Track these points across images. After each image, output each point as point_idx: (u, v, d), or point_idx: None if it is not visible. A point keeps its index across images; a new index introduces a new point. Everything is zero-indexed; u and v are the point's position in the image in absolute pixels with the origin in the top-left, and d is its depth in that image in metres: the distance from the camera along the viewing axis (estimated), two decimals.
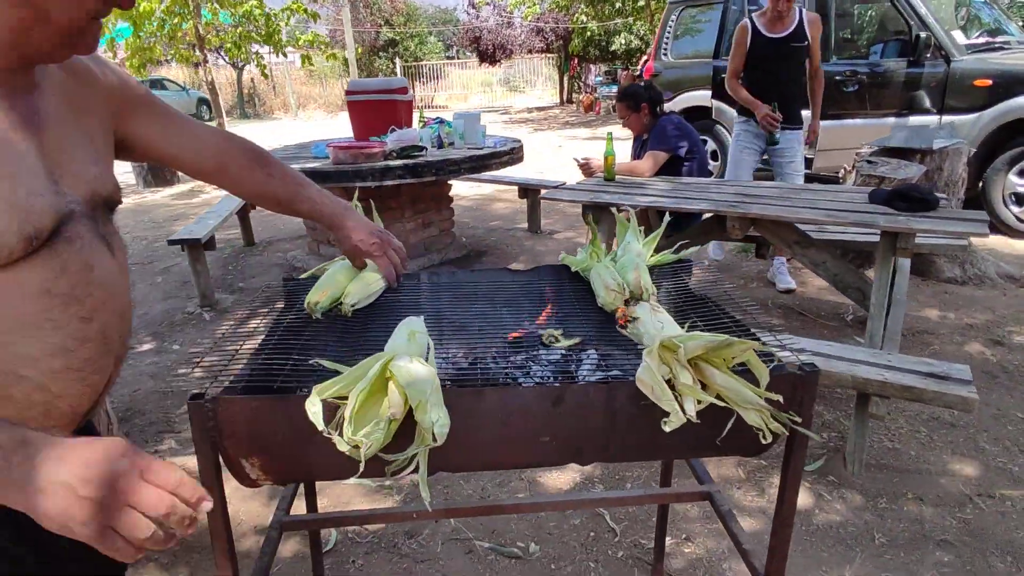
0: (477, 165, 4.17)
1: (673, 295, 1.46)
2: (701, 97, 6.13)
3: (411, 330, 1.09)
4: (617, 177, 3.36)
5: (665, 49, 6.65)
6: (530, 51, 19.91)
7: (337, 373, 0.99)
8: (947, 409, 2.42)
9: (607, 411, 1.08)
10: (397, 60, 21.78)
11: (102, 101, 0.95)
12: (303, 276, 1.60)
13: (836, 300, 3.74)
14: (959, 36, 4.93)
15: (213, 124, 7.97)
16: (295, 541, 2.14)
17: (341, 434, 0.91)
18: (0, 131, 0.74)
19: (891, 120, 5.00)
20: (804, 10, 3.70)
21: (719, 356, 0.99)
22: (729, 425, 1.00)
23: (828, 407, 2.73)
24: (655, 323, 1.18)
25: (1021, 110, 4.49)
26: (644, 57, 18.84)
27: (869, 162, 3.90)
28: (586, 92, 18.75)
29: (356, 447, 0.91)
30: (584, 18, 14.72)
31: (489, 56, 19.85)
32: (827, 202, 2.73)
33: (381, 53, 22.07)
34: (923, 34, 4.76)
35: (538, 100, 22.71)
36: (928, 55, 4.82)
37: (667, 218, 1.67)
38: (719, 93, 5.86)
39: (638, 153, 3.69)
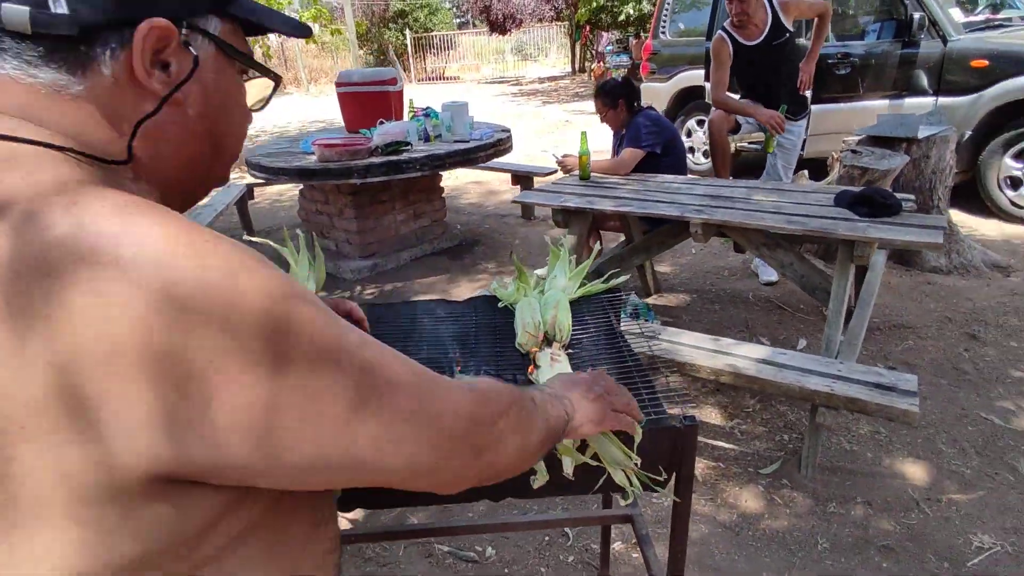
0: (462, 160, 4.21)
1: (592, 332, 1.52)
2: (697, 77, 6.06)
3: None
4: (593, 176, 3.39)
5: (663, 27, 6.56)
6: (540, 19, 19.59)
7: None
8: None
9: None
10: (407, 31, 21.56)
11: None
12: None
13: None
14: (956, 14, 4.80)
15: None
16: None
17: None
18: None
19: (884, 103, 4.92)
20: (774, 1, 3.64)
21: None
22: (600, 482, 1.08)
23: (791, 407, 2.78)
24: (550, 374, 1.25)
25: (1018, 91, 4.39)
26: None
27: (853, 151, 3.87)
28: (598, 61, 18.44)
29: None
30: None
31: (499, 25, 19.58)
32: (794, 205, 2.75)
33: (391, 24, 21.85)
34: (918, 13, 4.65)
35: (551, 69, 22.42)
36: (923, 35, 4.72)
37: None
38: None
39: (616, 150, 3.70)
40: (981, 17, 4.94)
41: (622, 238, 3.74)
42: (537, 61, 24.11)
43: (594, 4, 15.21)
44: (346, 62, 22.33)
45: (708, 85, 5.89)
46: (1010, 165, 4.53)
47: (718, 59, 3.61)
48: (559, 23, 21.10)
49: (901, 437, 2.59)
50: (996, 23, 4.92)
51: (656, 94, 6.63)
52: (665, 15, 6.48)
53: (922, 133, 3.80)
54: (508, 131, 4.76)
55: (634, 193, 3.02)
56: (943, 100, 4.72)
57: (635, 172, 3.43)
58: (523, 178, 5.45)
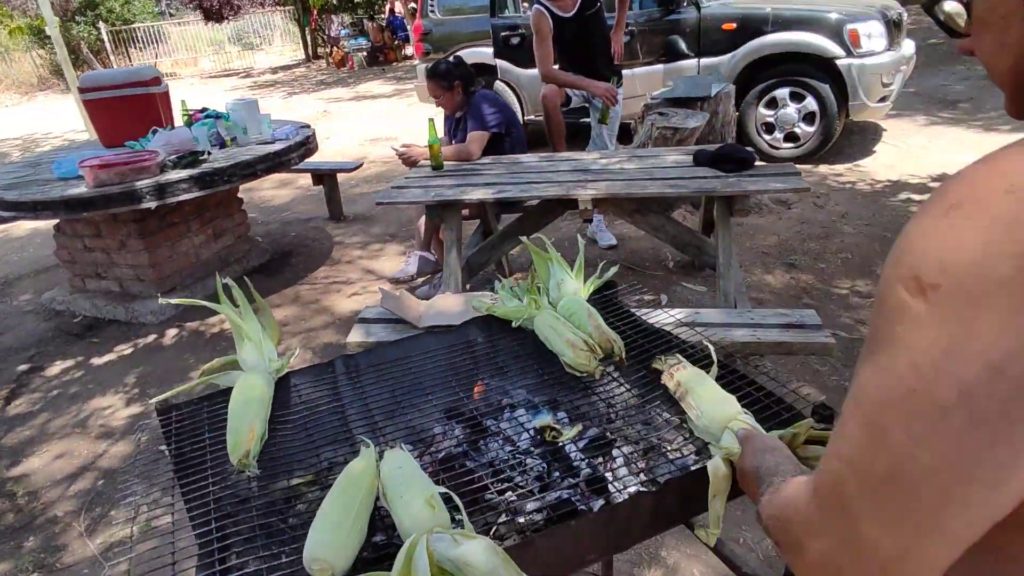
0: (274, 163, 3.69)
1: (619, 327, 1.37)
2: (480, 54, 6.03)
3: (425, 495, 0.87)
4: (445, 164, 3.17)
5: (431, 6, 6.41)
6: (262, 4, 18.14)
7: None
8: None
9: (660, 508, 0.98)
10: (102, 25, 18.54)
11: None
12: (171, 394, 1.23)
13: (654, 248, 3.99)
14: None
15: None
16: None
17: None
18: None
19: (660, 67, 5.36)
20: None
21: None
22: None
23: None
24: (704, 389, 1.08)
25: (762, 49, 5.06)
26: (387, 6, 18.23)
27: (661, 114, 4.15)
28: (333, 46, 17.66)
29: None
30: None
31: (215, 13, 17.72)
32: (661, 170, 2.84)
33: (78, 18, 18.60)
34: None
35: (280, 57, 20.97)
36: (683, 4, 5.21)
37: (582, 243, 1.56)
38: (502, 52, 5.81)
39: (453, 133, 3.52)
40: None
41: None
42: (262, 50, 22.41)
43: None
44: (25, 63, 18.58)
45: (499, 63, 5.97)
46: (764, 113, 5.23)
47: (540, 33, 3.59)
48: (284, 8, 19.76)
49: (781, 365, 2.85)
50: None
51: None
52: None
53: (713, 91, 4.19)
54: (309, 127, 4.29)
55: (502, 177, 2.89)
56: (705, 61, 5.27)
57: (483, 155, 3.30)
58: (326, 176, 4.99)
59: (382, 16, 17.51)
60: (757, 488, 0.75)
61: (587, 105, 3.97)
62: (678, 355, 1.19)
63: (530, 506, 0.95)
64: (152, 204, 3.27)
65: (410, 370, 1.30)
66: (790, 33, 4.96)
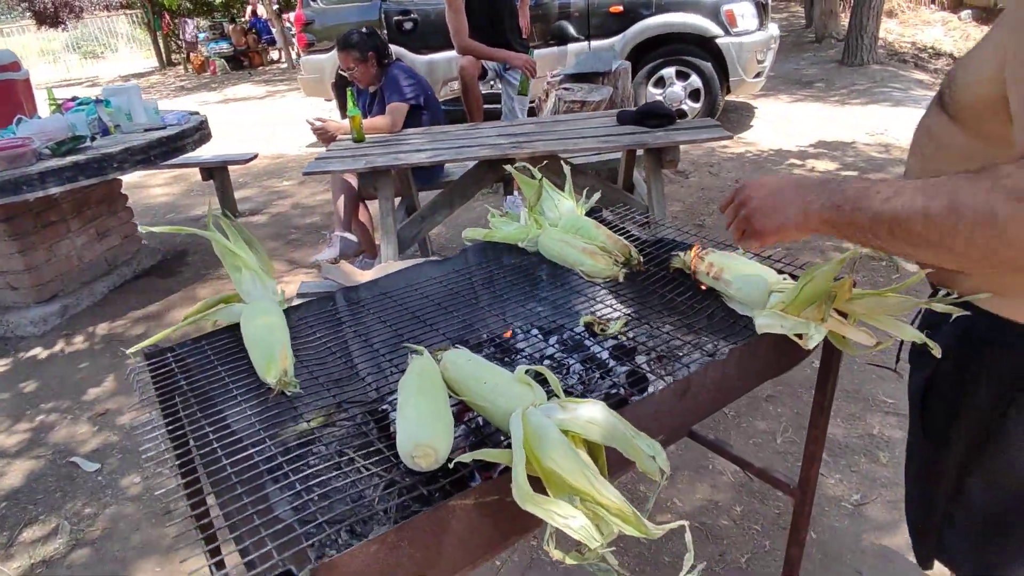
0: (169, 149, 3.40)
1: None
2: None
3: (515, 375, 0.82)
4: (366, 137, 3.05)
5: None
6: (107, 7, 16.70)
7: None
8: None
9: (725, 380, 0.98)
10: None
11: None
12: (151, 342, 1.09)
13: None
14: None
15: None
16: None
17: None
18: None
19: (554, 50, 5.47)
20: None
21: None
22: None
23: None
24: (747, 271, 1.09)
25: (648, 31, 5.30)
26: (248, 8, 17.37)
27: (567, 89, 4.24)
28: (190, 51, 16.56)
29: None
30: None
31: (50, 17, 16.09)
32: (591, 129, 2.88)
33: None
34: None
35: (130, 65, 19.39)
36: None
37: (567, 169, 1.55)
38: (395, 38, 5.69)
39: (368, 107, 3.40)
40: None
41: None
42: (105, 58, 20.62)
43: None
44: None
45: (393, 48, 5.84)
46: (653, 92, 5.48)
47: (453, 5, 3.54)
48: (129, 12, 18.32)
49: None
50: None
51: (320, 66, 6.27)
52: None
53: (613, 66, 4.34)
54: (199, 113, 3.99)
55: (430, 144, 2.82)
56: (595, 43, 5.44)
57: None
58: (216, 170, 4.65)
59: (243, 19, 16.65)
60: (845, 209, 0.77)
61: (495, 82, 3.97)
62: (698, 244, 1.21)
63: (605, 385, 0.92)
64: (31, 196, 2.90)
65: (425, 296, 1.23)
66: (673, 15, 5.23)
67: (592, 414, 0.73)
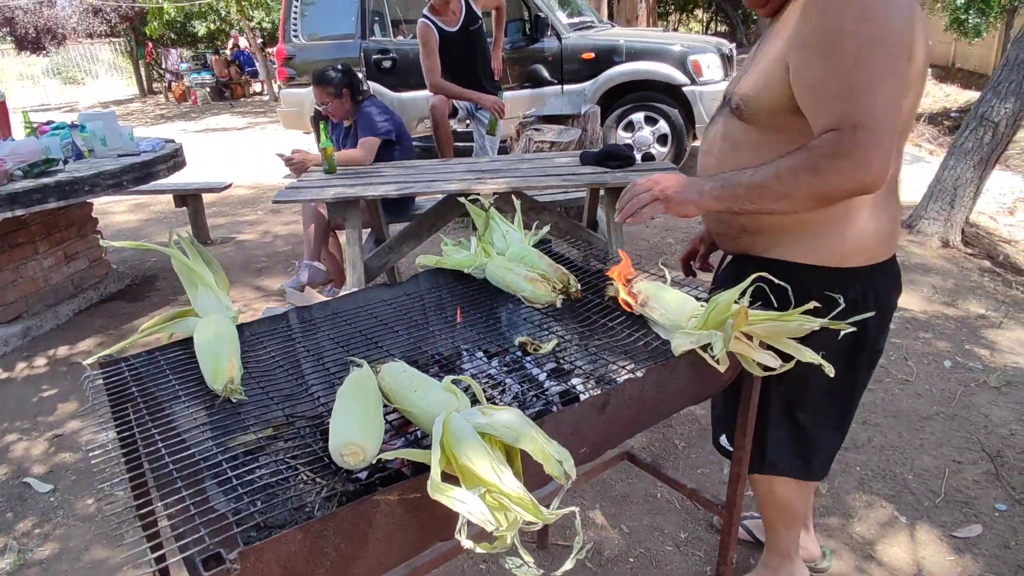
0: (142, 174, 3.45)
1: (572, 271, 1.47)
2: None
3: (442, 384, 0.90)
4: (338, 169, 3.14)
5: (294, 30, 6.32)
6: (90, 35, 16.79)
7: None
8: None
9: (644, 399, 1.06)
10: None
11: None
12: (106, 353, 1.14)
13: None
14: (563, 17, 5.78)
15: None
16: None
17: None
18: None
19: (528, 92, 5.66)
20: None
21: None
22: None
23: None
24: (666, 298, 1.18)
25: (618, 77, 5.52)
26: (231, 41, 17.60)
27: (536, 130, 4.39)
28: (171, 80, 16.69)
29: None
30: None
31: (32, 43, 16.14)
32: (554, 168, 3.01)
33: None
34: (541, 14, 5.47)
35: (110, 92, 19.44)
36: (547, 34, 5.56)
37: (518, 204, 1.65)
38: (374, 75, 5.85)
39: (341, 141, 3.50)
40: (578, 20, 6.02)
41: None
42: (85, 84, 20.65)
43: (166, 17, 13.68)
44: None
45: (372, 84, 5.99)
46: (622, 136, 5.68)
47: (427, 46, 3.69)
48: (113, 40, 18.42)
49: None
50: (588, 24, 6.07)
51: (300, 100, 6.39)
52: (295, 18, 6.26)
53: (583, 109, 4.51)
54: (174, 141, 4.06)
55: (400, 177, 2.92)
56: (568, 87, 5.64)
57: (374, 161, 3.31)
58: (190, 197, 4.70)
59: (227, 51, 16.85)
60: (726, 187, 1.15)
61: (470, 121, 4.11)
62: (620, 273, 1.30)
63: (539, 403, 1.00)
64: (2, 216, 2.92)
65: (375, 317, 1.30)
66: (642, 63, 5.46)
67: (508, 419, 0.80)
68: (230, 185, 4.88)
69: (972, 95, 9.03)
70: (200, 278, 1.16)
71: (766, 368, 1.06)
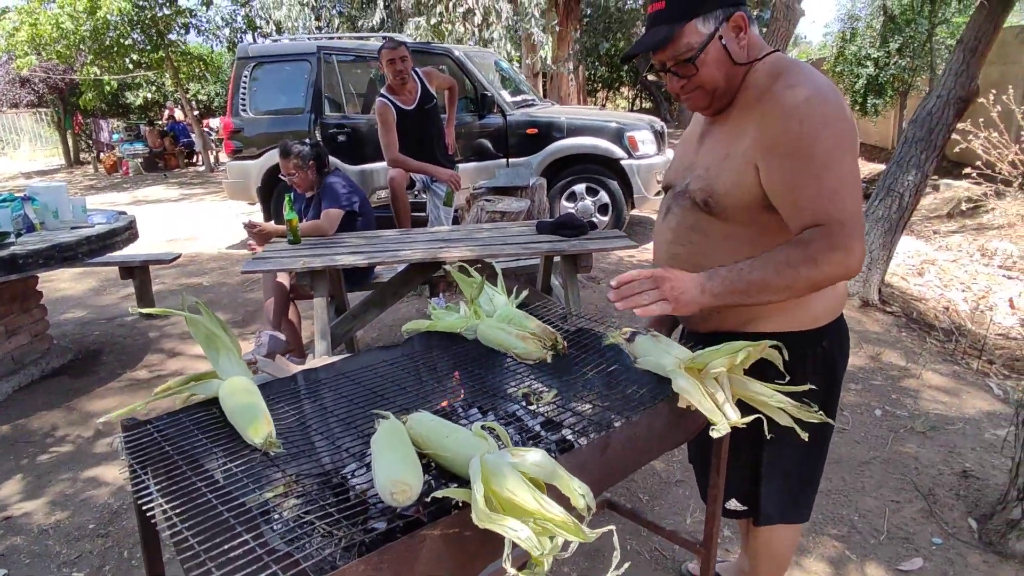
0: (99, 246, 3.43)
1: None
2: None
3: (471, 430, 1.00)
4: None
5: (243, 104, 6.44)
6: (15, 105, 16.39)
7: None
8: None
9: (636, 440, 1.19)
10: None
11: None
12: (121, 413, 1.19)
13: None
14: (507, 95, 6.13)
15: None
16: None
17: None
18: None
19: (473, 164, 5.92)
20: (417, 70, 4.16)
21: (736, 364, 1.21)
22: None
23: None
24: (659, 348, 1.32)
25: (560, 151, 5.86)
26: (166, 112, 17.48)
27: (488, 200, 4.60)
28: (100, 152, 16.36)
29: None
30: (97, 71, 12.87)
31: None
32: (511, 236, 3.18)
33: None
34: (487, 92, 5.79)
35: (32, 163, 18.82)
36: (492, 111, 5.88)
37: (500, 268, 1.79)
38: (330, 149, 6.00)
39: (303, 210, 3.59)
40: (520, 98, 6.39)
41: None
42: (6, 154, 19.95)
43: (106, 89, 13.54)
44: None
45: (332, 159, 6.13)
46: (566, 205, 5.97)
47: (386, 123, 3.87)
48: (39, 110, 18.01)
49: None
50: (529, 102, 6.44)
51: (246, 172, 6.46)
52: (244, 92, 6.39)
53: (531, 181, 4.77)
54: (127, 213, 4.05)
55: (364, 247, 3.03)
56: (513, 160, 5.94)
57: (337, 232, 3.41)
58: (137, 269, 4.64)
59: (161, 122, 16.73)
60: (726, 284, 1.24)
61: (424, 194, 4.28)
62: (626, 328, 1.45)
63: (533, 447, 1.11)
64: None
65: (380, 377, 1.39)
66: (582, 138, 5.83)
67: (537, 459, 0.91)
68: (179, 256, 4.85)
69: (876, 167, 9.93)
70: (221, 342, 1.23)
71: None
